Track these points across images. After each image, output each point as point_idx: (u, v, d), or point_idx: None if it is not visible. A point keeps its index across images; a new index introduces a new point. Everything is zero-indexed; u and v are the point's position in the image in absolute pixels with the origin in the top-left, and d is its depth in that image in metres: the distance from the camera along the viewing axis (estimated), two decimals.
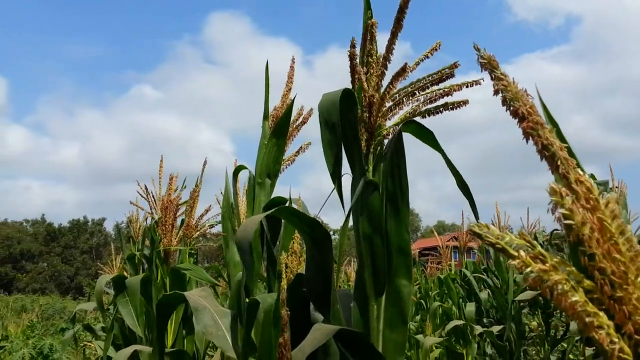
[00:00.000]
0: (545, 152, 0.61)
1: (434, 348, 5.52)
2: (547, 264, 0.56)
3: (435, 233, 6.98)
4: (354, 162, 1.59)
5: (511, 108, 0.62)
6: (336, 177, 1.54)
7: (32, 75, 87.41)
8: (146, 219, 4.65)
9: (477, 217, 1.55)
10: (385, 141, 1.60)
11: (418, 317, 6.44)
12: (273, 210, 1.55)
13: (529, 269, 0.56)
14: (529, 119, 0.61)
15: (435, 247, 7.77)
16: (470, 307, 4.98)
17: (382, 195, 1.54)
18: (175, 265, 2.62)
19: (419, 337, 4.86)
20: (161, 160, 3.36)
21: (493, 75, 0.64)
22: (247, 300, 1.79)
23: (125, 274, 4.20)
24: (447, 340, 4.99)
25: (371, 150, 1.59)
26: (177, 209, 2.72)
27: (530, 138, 0.61)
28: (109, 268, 6.09)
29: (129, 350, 2.32)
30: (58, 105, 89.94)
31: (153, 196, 3.36)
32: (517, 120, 0.62)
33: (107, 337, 3.15)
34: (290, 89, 2.14)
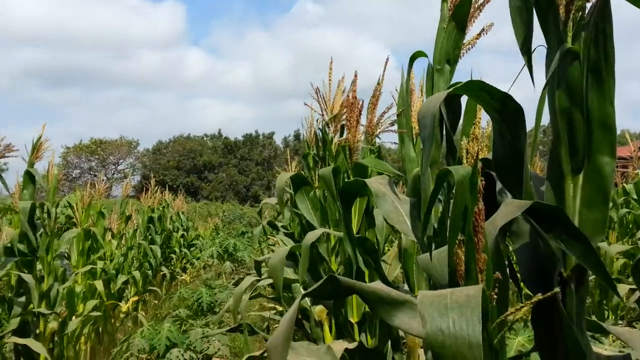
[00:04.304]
0: None
1: (615, 259, 5.19)
2: None
3: (628, 137, 6.37)
4: (549, 31, 1.45)
5: None
6: (526, 46, 1.42)
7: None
8: (317, 121, 4.79)
9: None
10: (588, 5, 1.44)
11: None
12: (459, 85, 1.48)
13: None
14: None
15: (620, 157, 7.14)
16: None
17: (582, 66, 1.40)
18: (358, 160, 2.69)
19: (603, 245, 4.58)
20: (331, 62, 3.42)
21: None
22: (429, 179, 1.77)
23: None
24: (635, 249, 4.65)
25: (570, 16, 1.44)
26: (361, 107, 2.75)
27: None
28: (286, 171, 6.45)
29: (318, 232, 2.44)
30: (229, 28, 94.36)
31: (324, 99, 3.43)
32: None
33: None
34: None
